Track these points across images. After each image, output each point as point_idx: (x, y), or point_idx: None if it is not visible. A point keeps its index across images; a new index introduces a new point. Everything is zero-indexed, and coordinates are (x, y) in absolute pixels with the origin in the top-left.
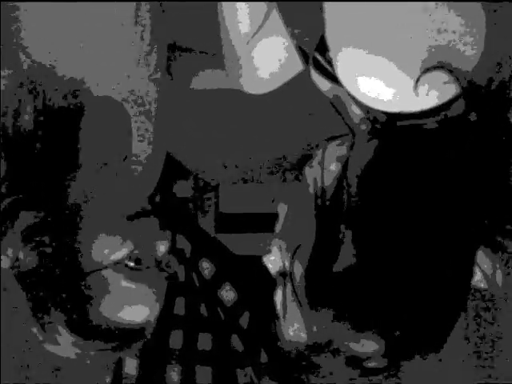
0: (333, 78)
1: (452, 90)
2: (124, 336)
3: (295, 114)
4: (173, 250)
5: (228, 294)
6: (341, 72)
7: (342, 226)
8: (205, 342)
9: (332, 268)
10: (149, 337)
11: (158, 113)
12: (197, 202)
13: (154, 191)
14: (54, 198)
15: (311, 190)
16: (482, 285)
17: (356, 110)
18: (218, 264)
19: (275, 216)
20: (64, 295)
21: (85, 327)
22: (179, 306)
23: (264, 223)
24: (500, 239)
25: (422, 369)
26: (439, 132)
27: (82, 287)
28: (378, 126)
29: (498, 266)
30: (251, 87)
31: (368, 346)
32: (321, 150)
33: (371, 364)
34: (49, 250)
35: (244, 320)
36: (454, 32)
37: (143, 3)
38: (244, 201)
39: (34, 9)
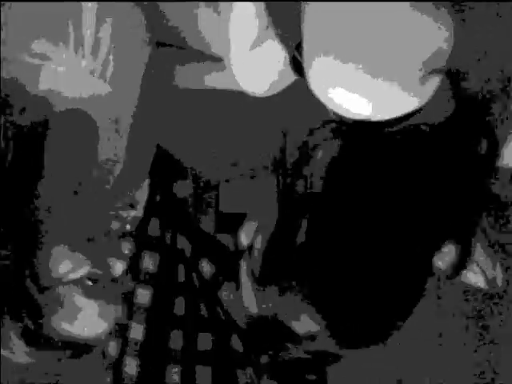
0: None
1: (419, 102)
2: (74, 349)
3: (296, 114)
4: (130, 268)
5: (228, 294)
6: (312, 79)
7: (303, 211)
8: (205, 342)
9: (287, 248)
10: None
11: (148, 112)
12: (197, 202)
13: (153, 191)
14: (15, 211)
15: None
16: (482, 285)
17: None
18: (218, 264)
19: None
20: (19, 305)
21: (37, 339)
22: (179, 306)
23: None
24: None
25: (422, 368)
26: (401, 133)
27: (38, 300)
28: (343, 127)
29: (497, 266)
30: (255, 88)
31: (309, 326)
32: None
33: (311, 346)
34: (6, 261)
35: (243, 320)
36: (423, 40)
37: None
38: (244, 201)
39: (11, 20)
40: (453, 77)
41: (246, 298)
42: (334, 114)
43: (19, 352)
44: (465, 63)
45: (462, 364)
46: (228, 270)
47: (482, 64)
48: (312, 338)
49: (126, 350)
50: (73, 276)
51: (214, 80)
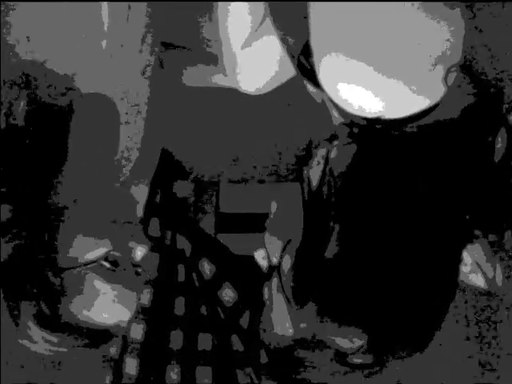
0: (316, 82)
1: (433, 99)
2: (92, 335)
3: (295, 113)
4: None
5: (228, 294)
6: (322, 77)
7: (330, 222)
8: (205, 341)
9: (319, 262)
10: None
11: (150, 110)
12: (197, 202)
13: (153, 191)
14: (36, 193)
15: (303, 172)
16: (482, 285)
17: (336, 114)
18: (218, 264)
19: None
20: (35, 288)
21: (54, 322)
22: (179, 306)
23: (264, 223)
24: (495, 237)
25: (423, 368)
26: (417, 134)
27: (55, 283)
28: (355, 129)
29: (497, 266)
30: (249, 86)
31: (353, 341)
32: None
33: (357, 360)
34: (23, 243)
35: (244, 320)
36: (434, 37)
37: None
38: (244, 201)
39: (24, 7)
40: (469, 71)
41: (278, 320)
42: (343, 115)
43: (38, 339)
44: (479, 57)
45: (462, 364)
46: (230, 272)
47: (496, 58)
48: (357, 351)
49: (126, 350)
50: (90, 256)
51: (214, 79)
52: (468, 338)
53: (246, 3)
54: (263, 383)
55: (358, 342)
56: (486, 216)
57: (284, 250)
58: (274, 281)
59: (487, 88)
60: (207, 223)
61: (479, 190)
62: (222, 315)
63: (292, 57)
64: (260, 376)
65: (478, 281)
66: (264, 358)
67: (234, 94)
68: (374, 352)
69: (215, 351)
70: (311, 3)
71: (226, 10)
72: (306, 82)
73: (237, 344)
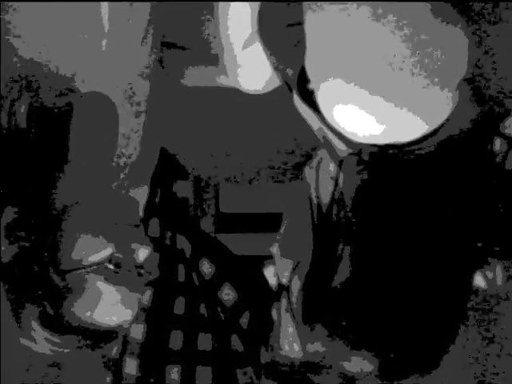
0: (316, 107)
1: (441, 118)
2: (95, 336)
3: (295, 113)
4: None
5: (228, 294)
6: (323, 106)
7: (340, 244)
8: (205, 342)
9: (329, 284)
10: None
11: (150, 110)
12: (197, 202)
13: (153, 191)
14: (39, 195)
15: (312, 192)
16: (482, 285)
17: (341, 146)
18: (218, 264)
19: (275, 216)
20: (39, 290)
21: (57, 323)
22: (179, 306)
23: (264, 223)
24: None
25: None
26: (427, 156)
27: (59, 284)
28: (365, 157)
29: (497, 266)
30: (249, 86)
31: (362, 366)
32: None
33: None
34: (27, 244)
35: (244, 320)
36: (435, 59)
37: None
38: (244, 201)
39: (25, 8)
40: (472, 86)
41: (286, 341)
42: (349, 145)
43: (40, 340)
44: (482, 72)
45: (462, 364)
46: (230, 272)
47: (499, 71)
48: (366, 376)
49: (126, 350)
50: (93, 259)
51: (215, 78)
52: (468, 338)
53: (246, 3)
54: (263, 383)
55: (368, 368)
56: (498, 243)
57: (294, 270)
58: (283, 301)
59: (491, 102)
60: (207, 223)
61: (491, 214)
62: (221, 315)
63: (289, 87)
64: (260, 376)
65: (478, 281)
66: (264, 358)
67: (234, 93)
68: (384, 377)
69: (215, 351)
70: (306, 26)
71: (227, 11)
72: (300, 106)
73: (237, 344)
